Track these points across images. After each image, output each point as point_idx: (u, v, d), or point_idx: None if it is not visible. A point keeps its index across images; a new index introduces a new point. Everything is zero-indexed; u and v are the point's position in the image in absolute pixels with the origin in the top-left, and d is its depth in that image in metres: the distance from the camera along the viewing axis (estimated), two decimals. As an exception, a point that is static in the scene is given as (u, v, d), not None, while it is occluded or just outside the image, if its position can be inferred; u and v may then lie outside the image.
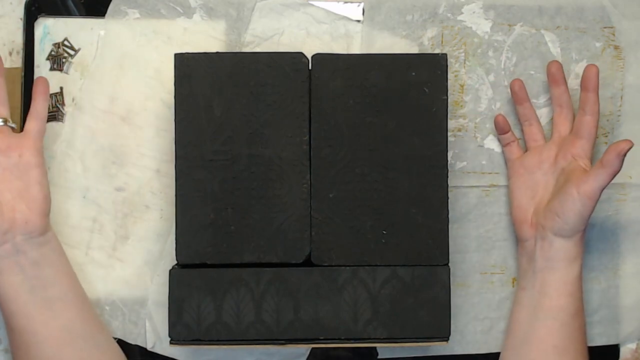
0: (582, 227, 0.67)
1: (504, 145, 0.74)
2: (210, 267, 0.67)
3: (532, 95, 0.74)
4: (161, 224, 0.74)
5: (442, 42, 0.74)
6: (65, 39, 0.74)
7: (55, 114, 0.74)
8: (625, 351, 0.76)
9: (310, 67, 0.68)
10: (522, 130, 0.74)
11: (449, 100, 0.69)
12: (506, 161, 0.74)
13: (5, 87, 0.68)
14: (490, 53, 0.74)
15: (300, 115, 0.67)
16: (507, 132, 0.73)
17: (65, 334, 0.66)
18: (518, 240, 0.72)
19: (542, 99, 0.75)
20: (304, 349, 0.74)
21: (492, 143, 0.75)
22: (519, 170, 0.72)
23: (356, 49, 0.74)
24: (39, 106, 0.68)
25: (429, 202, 0.68)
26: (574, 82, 0.74)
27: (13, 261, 0.65)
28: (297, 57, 0.68)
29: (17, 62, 0.74)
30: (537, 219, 0.69)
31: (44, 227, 0.67)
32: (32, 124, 0.68)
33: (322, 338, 0.67)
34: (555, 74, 0.71)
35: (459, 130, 0.74)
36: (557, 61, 0.71)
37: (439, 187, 0.68)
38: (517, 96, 0.73)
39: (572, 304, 0.69)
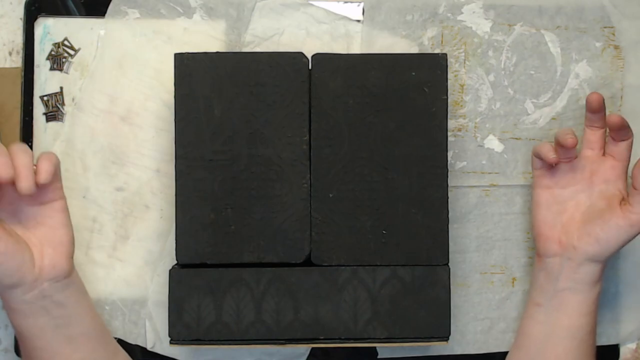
0: (617, 253, 0.67)
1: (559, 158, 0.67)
2: (210, 267, 0.67)
3: (532, 95, 0.74)
4: (161, 224, 0.74)
5: (442, 42, 0.74)
6: (65, 39, 0.74)
7: (55, 114, 0.74)
8: (625, 351, 0.76)
9: (310, 67, 0.68)
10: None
11: (449, 100, 0.69)
12: (540, 169, 0.70)
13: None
14: (490, 53, 0.74)
15: (300, 115, 0.67)
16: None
17: None
18: (537, 253, 0.70)
19: (543, 99, 0.75)
20: (304, 349, 0.74)
21: (492, 143, 0.75)
22: (548, 182, 0.70)
23: (356, 49, 0.74)
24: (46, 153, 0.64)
25: (429, 202, 0.68)
26: (574, 82, 0.75)
27: (39, 305, 0.64)
28: (297, 57, 0.68)
29: (17, 62, 0.74)
30: (568, 239, 0.68)
31: (70, 270, 0.65)
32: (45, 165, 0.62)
33: (322, 338, 0.67)
34: (595, 105, 0.68)
35: (459, 130, 0.74)
36: (597, 94, 0.68)
37: (439, 187, 0.68)
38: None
39: (590, 323, 0.68)
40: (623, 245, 0.66)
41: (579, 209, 0.69)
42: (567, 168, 0.69)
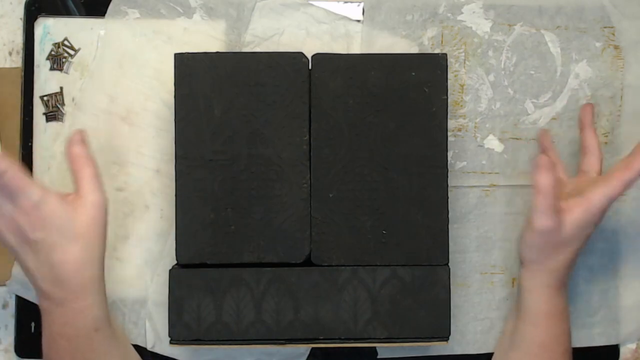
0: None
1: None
2: (210, 267, 0.67)
3: (532, 95, 0.74)
4: (161, 224, 0.74)
5: (442, 42, 0.74)
6: (65, 39, 0.74)
7: (55, 114, 0.74)
8: (625, 351, 0.76)
9: (310, 67, 0.68)
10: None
11: (449, 100, 0.69)
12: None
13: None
14: (490, 53, 0.74)
15: (300, 115, 0.67)
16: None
17: None
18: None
19: (543, 99, 0.75)
20: (304, 349, 0.74)
21: (492, 143, 0.75)
22: None
23: (356, 49, 0.74)
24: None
25: (429, 202, 0.68)
26: (574, 82, 0.75)
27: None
28: (297, 57, 0.68)
29: (17, 62, 0.74)
30: None
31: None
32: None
33: (322, 338, 0.67)
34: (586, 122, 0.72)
35: (459, 130, 0.74)
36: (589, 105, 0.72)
37: (439, 187, 0.68)
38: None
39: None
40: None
41: None
42: None
